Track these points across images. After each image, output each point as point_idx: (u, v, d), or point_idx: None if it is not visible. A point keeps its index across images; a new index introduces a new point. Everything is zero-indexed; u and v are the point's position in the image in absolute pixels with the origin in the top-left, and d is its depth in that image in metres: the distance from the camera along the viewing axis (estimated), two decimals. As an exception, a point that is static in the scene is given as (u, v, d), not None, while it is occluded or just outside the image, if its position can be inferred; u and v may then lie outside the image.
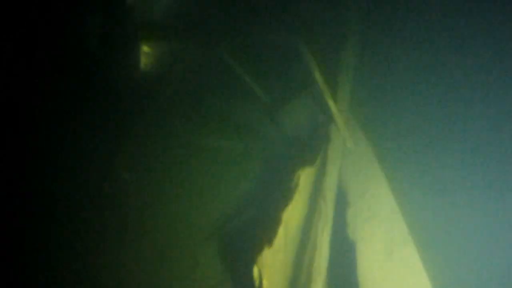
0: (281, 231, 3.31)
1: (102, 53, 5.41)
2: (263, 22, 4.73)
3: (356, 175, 3.69)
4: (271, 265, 3.24)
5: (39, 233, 4.46)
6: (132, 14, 5.55)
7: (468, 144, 3.90)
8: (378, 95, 4.19)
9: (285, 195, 3.51)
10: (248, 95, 5.15)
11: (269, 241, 3.24)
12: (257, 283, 3.23)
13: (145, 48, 5.71)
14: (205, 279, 4.09)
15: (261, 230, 3.54)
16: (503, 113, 3.83)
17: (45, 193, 4.66)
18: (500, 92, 3.87)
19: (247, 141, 4.95)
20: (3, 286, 4.07)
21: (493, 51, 3.95)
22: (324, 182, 3.53)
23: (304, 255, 3.40)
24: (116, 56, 5.48)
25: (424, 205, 3.71)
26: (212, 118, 5.24)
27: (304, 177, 3.57)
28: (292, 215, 3.44)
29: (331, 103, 3.86)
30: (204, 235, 4.26)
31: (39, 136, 5.00)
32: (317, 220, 3.44)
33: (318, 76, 3.95)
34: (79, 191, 4.68)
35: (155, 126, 5.08)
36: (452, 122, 4.15)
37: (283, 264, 3.36)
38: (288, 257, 3.40)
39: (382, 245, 3.40)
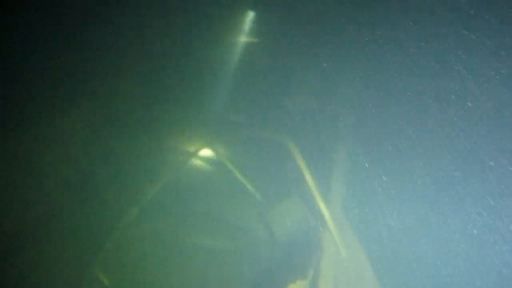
0: None
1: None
2: (252, 118, 4.68)
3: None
4: None
5: None
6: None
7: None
8: (372, 196, 3.96)
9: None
10: (240, 193, 4.96)
11: None
12: None
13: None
14: None
15: None
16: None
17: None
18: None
19: (236, 242, 4.68)
20: None
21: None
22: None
23: None
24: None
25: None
26: (202, 217, 5.01)
27: (295, 292, 3.25)
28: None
29: (323, 206, 3.63)
30: None
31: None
32: None
33: (308, 177, 3.75)
34: None
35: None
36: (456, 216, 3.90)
37: None
38: None
39: None
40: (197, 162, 5.03)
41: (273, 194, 4.62)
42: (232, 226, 4.77)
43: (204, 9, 5.39)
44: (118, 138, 6.16)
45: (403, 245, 3.76)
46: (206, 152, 4.95)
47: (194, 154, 4.92)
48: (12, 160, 4.95)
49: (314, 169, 4.01)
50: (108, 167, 5.61)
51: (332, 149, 4.17)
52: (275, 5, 5.03)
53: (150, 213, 5.15)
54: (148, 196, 4.90)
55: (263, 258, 4.27)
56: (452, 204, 3.85)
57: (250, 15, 5.13)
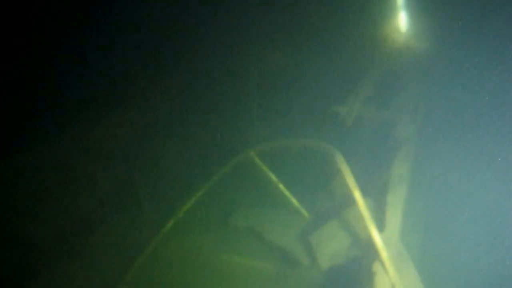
0: None
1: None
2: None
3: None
4: None
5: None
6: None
7: None
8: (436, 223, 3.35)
9: None
10: (284, 209, 4.49)
11: None
12: None
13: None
14: None
15: None
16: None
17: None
18: None
19: (279, 265, 4.21)
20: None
21: None
22: None
23: None
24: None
25: None
26: (242, 233, 4.59)
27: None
28: None
29: (374, 234, 3.04)
30: None
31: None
32: None
33: (357, 196, 3.19)
34: None
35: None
36: None
37: None
38: None
39: None
40: (238, 173, 4.60)
41: (320, 212, 4.12)
42: (273, 246, 4.30)
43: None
44: (160, 145, 5.89)
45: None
46: (249, 163, 4.51)
47: (236, 165, 4.49)
48: (47, 167, 4.79)
49: (366, 188, 3.46)
50: (147, 176, 5.34)
51: (388, 164, 3.59)
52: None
53: (188, 227, 4.81)
54: (186, 208, 4.54)
55: (305, 285, 3.78)
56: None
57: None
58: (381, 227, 3.22)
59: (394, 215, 3.29)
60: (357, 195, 3.27)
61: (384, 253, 3.03)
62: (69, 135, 5.15)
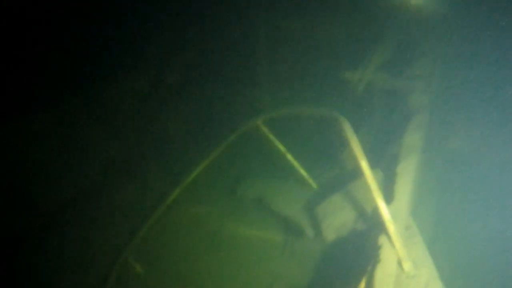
0: None
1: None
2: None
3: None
4: None
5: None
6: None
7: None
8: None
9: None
10: (292, 178, 4.39)
11: None
12: None
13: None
14: None
15: None
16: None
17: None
18: None
19: (286, 236, 4.15)
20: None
21: None
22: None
23: None
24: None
25: None
26: (249, 205, 4.52)
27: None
28: None
29: (382, 206, 2.90)
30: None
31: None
32: None
33: (364, 166, 3.04)
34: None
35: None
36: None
37: None
38: None
39: None
40: (245, 142, 4.48)
41: (327, 183, 4.00)
42: (280, 216, 4.22)
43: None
44: (168, 113, 5.79)
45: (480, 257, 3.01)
46: (256, 132, 4.37)
47: (243, 134, 4.36)
48: (55, 132, 4.76)
49: (376, 158, 3.30)
50: (154, 143, 5.27)
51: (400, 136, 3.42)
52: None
53: (194, 196, 4.76)
54: (192, 177, 4.46)
55: (311, 256, 3.70)
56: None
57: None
58: (389, 199, 3.09)
59: (404, 187, 3.15)
60: (364, 165, 3.12)
61: (391, 226, 2.90)
62: (77, 101, 5.10)
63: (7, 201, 4.06)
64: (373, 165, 3.38)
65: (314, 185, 4.22)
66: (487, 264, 3.24)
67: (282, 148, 4.26)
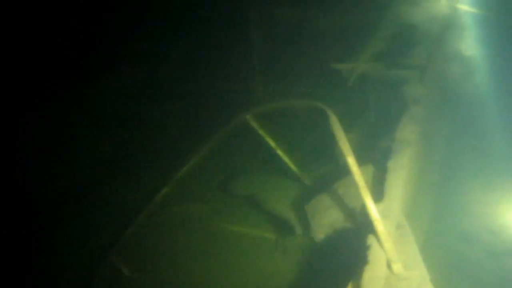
0: None
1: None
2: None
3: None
4: None
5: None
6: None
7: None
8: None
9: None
10: (283, 174, 4.26)
11: None
12: None
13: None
14: None
15: None
16: None
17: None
18: None
19: (278, 233, 4.03)
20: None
21: None
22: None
23: None
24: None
25: None
26: (240, 202, 4.40)
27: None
28: None
29: (369, 204, 2.74)
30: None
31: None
32: None
33: (351, 162, 2.88)
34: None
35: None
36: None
37: None
38: None
39: None
40: (236, 138, 4.34)
41: (317, 180, 3.86)
42: (270, 214, 4.10)
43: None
44: (160, 108, 5.68)
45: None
46: (247, 127, 4.23)
47: (233, 130, 4.21)
48: (47, 128, 4.70)
49: (367, 153, 3.14)
50: (142, 139, 5.16)
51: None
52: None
53: (184, 193, 4.68)
54: (182, 174, 4.34)
55: (302, 254, 3.59)
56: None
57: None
58: (380, 196, 2.93)
59: (396, 183, 2.99)
60: (351, 161, 2.96)
61: (379, 225, 2.74)
62: (67, 98, 5.03)
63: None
64: (364, 160, 3.22)
65: (306, 181, 4.08)
66: (483, 264, 3.10)
67: (272, 143, 4.13)
